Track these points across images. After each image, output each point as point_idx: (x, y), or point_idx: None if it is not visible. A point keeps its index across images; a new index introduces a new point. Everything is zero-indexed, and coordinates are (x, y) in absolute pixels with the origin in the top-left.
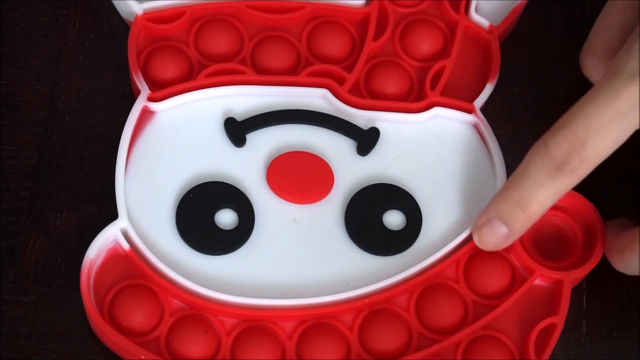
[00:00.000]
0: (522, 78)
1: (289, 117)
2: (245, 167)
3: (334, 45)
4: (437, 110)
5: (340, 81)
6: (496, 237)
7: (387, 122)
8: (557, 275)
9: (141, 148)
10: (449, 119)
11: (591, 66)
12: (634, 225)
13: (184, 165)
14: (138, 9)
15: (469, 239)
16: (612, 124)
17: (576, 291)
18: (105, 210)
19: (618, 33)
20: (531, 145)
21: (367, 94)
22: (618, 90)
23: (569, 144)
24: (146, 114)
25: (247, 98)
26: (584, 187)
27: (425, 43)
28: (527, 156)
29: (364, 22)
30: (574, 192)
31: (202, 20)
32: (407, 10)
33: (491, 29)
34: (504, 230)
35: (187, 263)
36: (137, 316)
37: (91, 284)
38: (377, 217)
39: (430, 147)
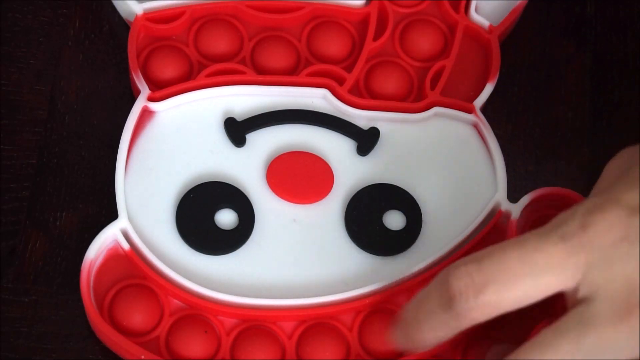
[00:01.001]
0: (522, 78)
1: (288, 117)
2: (245, 167)
3: (334, 45)
4: (437, 110)
5: (340, 81)
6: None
7: (387, 122)
8: None
9: (141, 148)
10: (449, 119)
11: None
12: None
13: (184, 165)
14: (138, 9)
15: (469, 239)
16: (525, 279)
17: None
18: (105, 210)
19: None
20: (531, 145)
21: (367, 94)
22: (544, 246)
23: (469, 279)
24: (146, 114)
25: (247, 98)
26: (585, 189)
27: (425, 43)
28: (440, 273)
29: (364, 22)
30: (574, 192)
31: (202, 20)
32: (407, 10)
33: (491, 29)
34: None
35: (187, 263)
36: (137, 316)
37: (91, 284)
38: (377, 217)
39: (430, 147)
